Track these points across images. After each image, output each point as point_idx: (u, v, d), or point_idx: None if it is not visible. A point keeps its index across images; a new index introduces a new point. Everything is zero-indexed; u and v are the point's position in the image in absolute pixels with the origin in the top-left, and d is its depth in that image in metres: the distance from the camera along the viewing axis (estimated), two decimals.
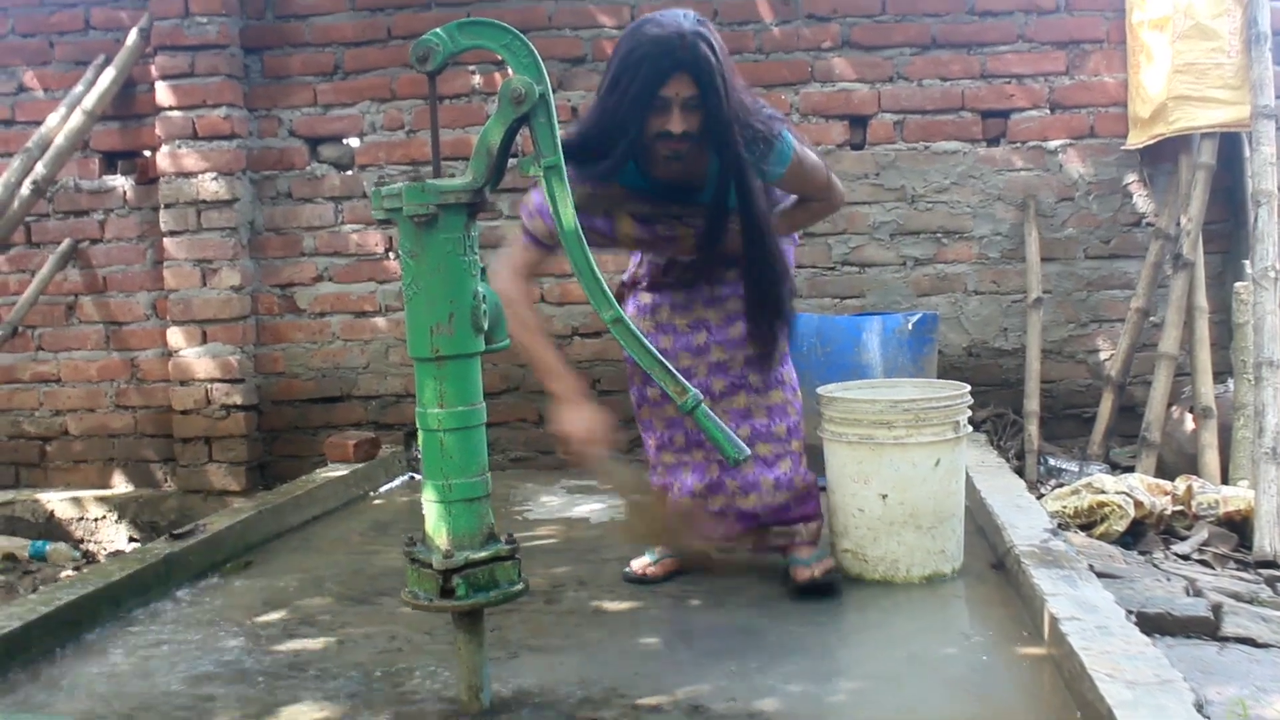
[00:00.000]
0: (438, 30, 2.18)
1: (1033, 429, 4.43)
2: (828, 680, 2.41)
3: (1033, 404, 4.46)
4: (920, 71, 4.67)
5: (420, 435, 2.22)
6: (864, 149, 4.73)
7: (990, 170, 4.68)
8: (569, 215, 2.16)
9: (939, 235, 4.71)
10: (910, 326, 4.22)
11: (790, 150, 2.83)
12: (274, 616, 3.00)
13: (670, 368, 2.17)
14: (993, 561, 3.14)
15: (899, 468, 2.96)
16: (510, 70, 2.19)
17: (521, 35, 2.16)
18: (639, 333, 2.17)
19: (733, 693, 2.33)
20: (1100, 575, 3.08)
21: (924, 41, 4.66)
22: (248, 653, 2.72)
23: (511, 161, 2.25)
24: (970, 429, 3.07)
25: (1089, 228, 4.66)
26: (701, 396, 2.17)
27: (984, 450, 4.21)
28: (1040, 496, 4.00)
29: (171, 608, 3.10)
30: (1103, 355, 4.66)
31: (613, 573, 3.23)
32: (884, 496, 2.98)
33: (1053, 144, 4.65)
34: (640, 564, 3.15)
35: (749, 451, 2.20)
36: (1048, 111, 4.65)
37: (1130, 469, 4.28)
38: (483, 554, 2.20)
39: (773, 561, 3.13)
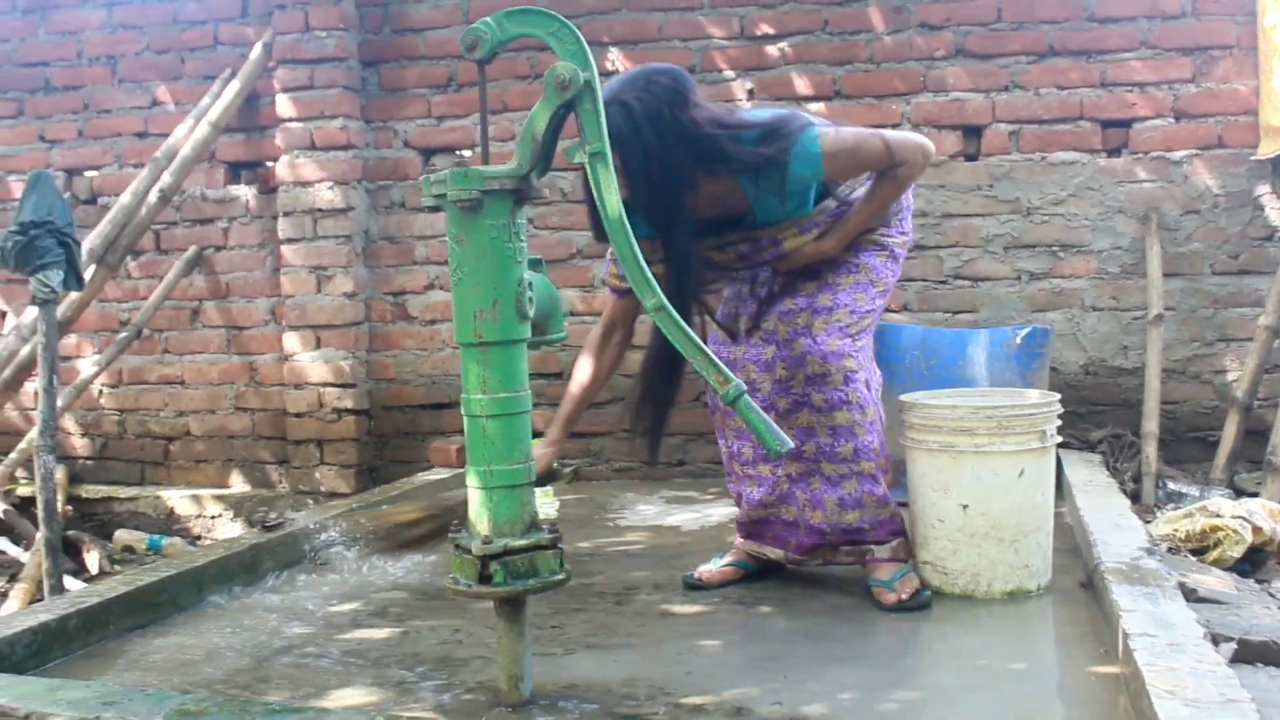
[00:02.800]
0: (486, 19, 2.19)
1: (1151, 451, 4.23)
2: (882, 690, 2.32)
3: (1152, 425, 4.26)
4: (1037, 80, 4.53)
5: (465, 421, 2.21)
6: (978, 160, 4.60)
7: (1110, 182, 4.51)
8: (613, 202, 2.14)
9: (1055, 249, 4.55)
10: (1019, 340, 4.08)
11: (814, 144, 2.75)
12: (347, 607, 3.03)
13: (713, 357, 2.13)
14: (1083, 580, 3.00)
15: (980, 477, 2.85)
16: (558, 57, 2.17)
17: (569, 23, 2.16)
18: (680, 320, 2.13)
19: (780, 697, 2.26)
20: (1202, 600, 2.92)
21: (1040, 49, 4.53)
22: (313, 640, 2.75)
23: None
24: (1058, 439, 2.94)
25: (1216, 242, 4.45)
26: (744, 387, 2.12)
27: (1095, 470, 4.04)
28: (1151, 520, 3.83)
29: (252, 595, 3.17)
30: (1229, 375, 4.44)
31: (682, 583, 3.18)
32: (964, 507, 2.87)
33: (1178, 154, 4.46)
34: (702, 569, 3.12)
35: (791, 444, 2.13)
36: (1172, 120, 4.47)
37: (1256, 495, 4.06)
38: (523, 542, 2.18)
39: (851, 573, 3.05)
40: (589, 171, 2.15)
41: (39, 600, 3.79)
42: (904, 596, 2.85)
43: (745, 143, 2.76)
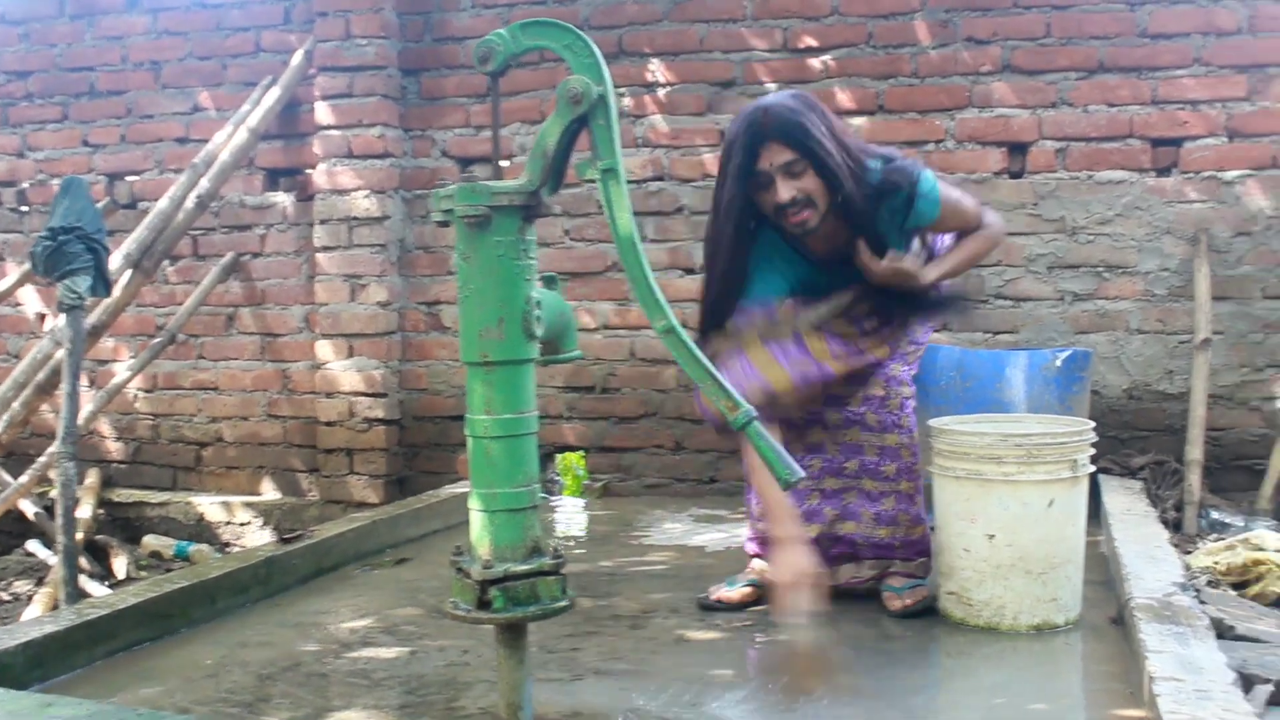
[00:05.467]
0: (500, 30, 2.14)
1: (1194, 479, 4.10)
2: None
3: (1195, 452, 4.13)
4: (1085, 97, 4.42)
5: (469, 442, 2.16)
6: (1022, 177, 4.49)
7: (1159, 202, 4.38)
8: (625, 221, 2.08)
9: (1100, 269, 4.43)
10: (1059, 363, 3.97)
11: (933, 187, 2.78)
12: (359, 624, 2.99)
13: (723, 382, 2.06)
14: (1113, 615, 2.89)
15: (1008, 506, 2.76)
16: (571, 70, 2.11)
17: (584, 36, 2.09)
18: (690, 343, 2.06)
19: None
20: (1240, 638, 2.81)
21: (1090, 66, 4.41)
22: (319, 658, 2.71)
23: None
24: (1091, 468, 2.84)
25: (1269, 265, 4.31)
26: (754, 414, 2.05)
27: (1134, 498, 3.91)
28: (1192, 551, 3.71)
29: (264, 609, 3.14)
30: (1278, 403, 4.29)
31: (697, 604, 3.11)
32: (991, 537, 2.78)
33: (1230, 175, 4.33)
34: (717, 590, 3.07)
35: (802, 474, 2.06)
36: (1225, 140, 4.33)
37: None
38: (524, 567, 2.12)
39: (868, 603, 2.98)
40: (601, 189, 2.09)
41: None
42: (909, 602, 2.91)
43: (872, 170, 2.77)
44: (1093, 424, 2.88)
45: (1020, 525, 2.76)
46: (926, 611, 2.91)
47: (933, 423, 2.93)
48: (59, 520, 3.48)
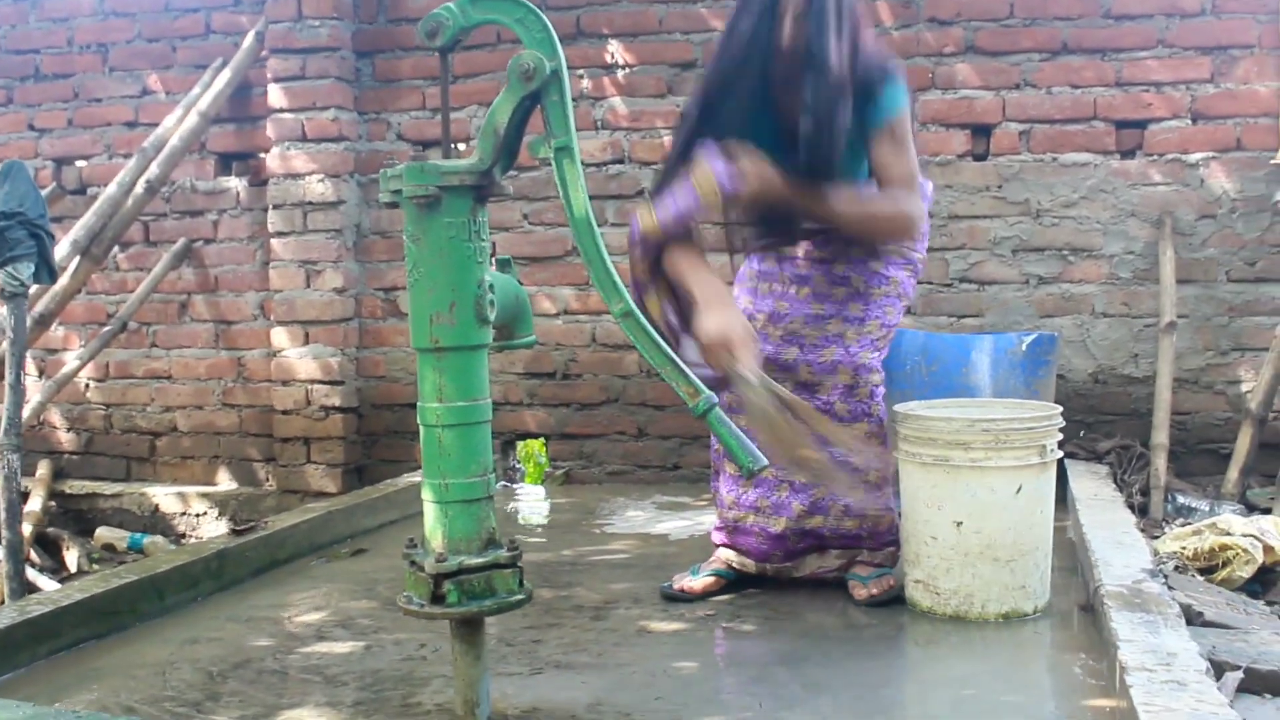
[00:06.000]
0: (448, 4, 2.06)
1: (1160, 463, 4.07)
2: None
3: (1161, 436, 4.10)
4: (1049, 78, 4.38)
5: (421, 431, 2.09)
6: (986, 160, 4.45)
7: (1123, 184, 4.35)
8: (580, 201, 2.01)
9: (1065, 252, 4.39)
10: (1024, 347, 3.93)
11: (903, 99, 2.71)
12: (313, 618, 2.91)
13: (683, 367, 2.00)
14: (1082, 602, 2.85)
15: (975, 493, 2.71)
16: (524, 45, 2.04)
17: (536, 9, 2.02)
18: (649, 327, 2.00)
19: None
20: (1209, 624, 2.79)
21: (1054, 47, 4.37)
22: (272, 653, 2.64)
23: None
24: (1059, 454, 2.79)
25: (1232, 248, 4.29)
26: (715, 399, 1.99)
27: (1101, 483, 3.89)
28: (1159, 536, 3.68)
29: (215, 603, 3.06)
30: (1244, 386, 4.27)
31: (660, 594, 3.06)
32: (958, 524, 2.73)
33: (1194, 157, 4.30)
34: (681, 580, 3.01)
35: (765, 462, 2.00)
36: (1189, 122, 4.30)
37: (1269, 511, 3.90)
38: (479, 560, 2.05)
39: (835, 591, 2.93)
40: (555, 168, 2.02)
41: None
42: (875, 592, 2.87)
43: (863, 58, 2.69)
44: (1060, 408, 2.84)
45: (988, 512, 2.71)
46: (893, 601, 2.86)
47: (899, 408, 2.88)
48: (1, 514, 3.38)
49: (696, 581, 2.98)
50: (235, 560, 3.24)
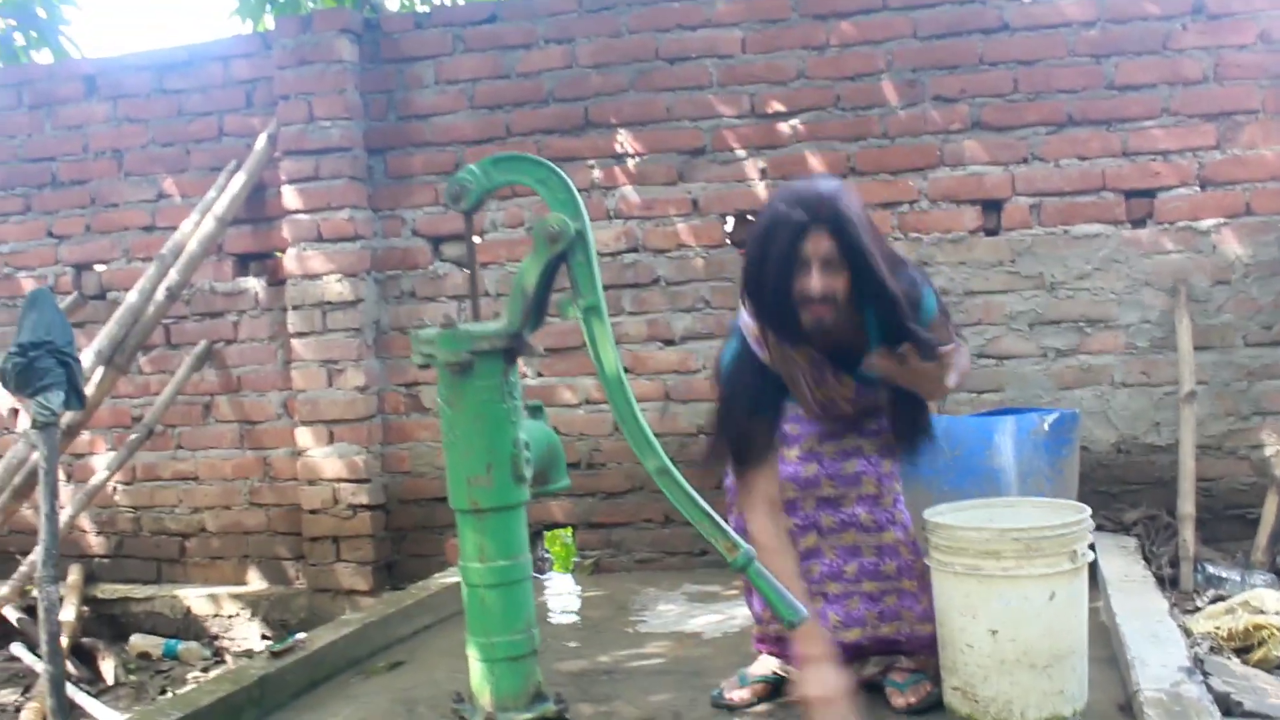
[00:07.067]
0: (470, 167, 2.11)
1: (1188, 534, 4.07)
2: None
3: (1188, 506, 4.11)
4: (1056, 151, 4.42)
5: (463, 590, 2.12)
6: (998, 234, 4.48)
7: (1136, 254, 4.38)
8: (610, 360, 2.05)
9: (1081, 324, 4.42)
10: (1047, 427, 3.94)
11: (934, 306, 2.75)
12: None
13: (720, 522, 2.03)
14: (1120, 702, 2.86)
15: (1009, 601, 2.72)
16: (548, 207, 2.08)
17: (558, 170, 2.06)
18: (685, 484, 2.03)
19: None
20: (1248, 715, 2.79)
21: (1059, 120, 4.41)
22: None
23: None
24: (1091, 556, 2.81)
25: (1248, 313, 4.31)
26: (754, 553, 2.02)
27: (1131, 560, 3.89)
28: (1193, 610, 3.69)
29: None
30: (1267, 450, 4.28)
31: (710, 703, 3.07)
32: (994, 632, 2.73)
33: (1205, 224, 4.33)
34: (731, 688, 3.01)
35: (805, 614, 2.03)
36: (1198, 189, 4.33)
37: None
38: (527, 715, 2.08)
39: (874, 698, 2.94)
40: (584, 327, 2.06)
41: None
42: (913, 700, 2.87)
43: (904, 274, 2.71)
44: (1089, 510, 2.85)
45: (1022, 619, 2.72)
46: (931, 708, 2.87)
47: (928, 515, 2.89)
48: (44, 647, 3.40)
49: (745, 691, 2.99)
50: (275, 685, 3.26)
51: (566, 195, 2.06)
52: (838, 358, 2.78)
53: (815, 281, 2.56)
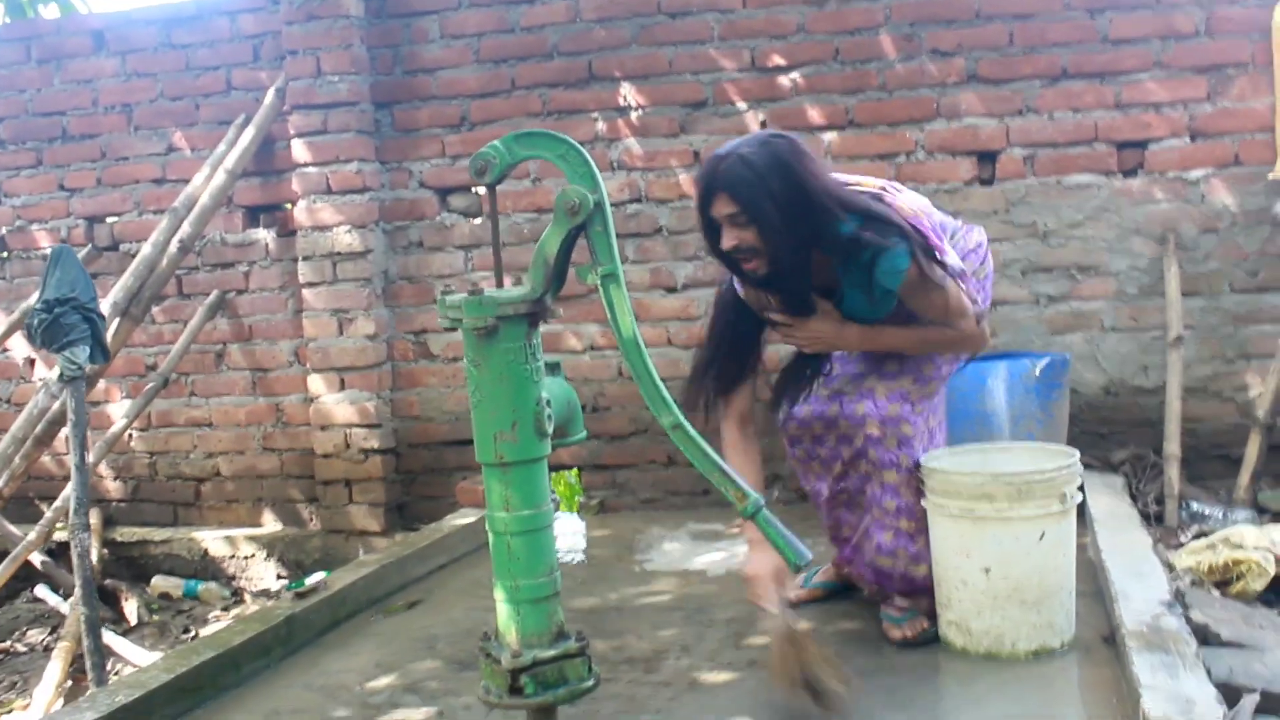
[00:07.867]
0: (494, 143, 2.23)
1: (1173, 473, 4.23)
2: None
3: (1173, 446, 4.26)
4: (1051, 104, 4.52)
5: (490, 537, 2.26)
6: (993, 185, 4.60)
7: (1127, 203, 4.50)
8: (627, 324, 2.17)
9: (1073, 271, 4.55)
10: (1038, 372, 4.09)
11: (904, 263, 2.77)
12: (383, 682, 3.09)
13: (731, 474, 2.17)
14: (1105, 634, 3.03)
15: (1001, 542, 2.88)
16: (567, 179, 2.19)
17: (577, 146, 2.18)
18: (699, 438, 2.17)
19: None
20: (1225, 644, 2.95)
21: (1054, 73, 4.51)
22: None
23: None
24: (1079, 498, 2.96)
25: (1235, 260, 4.45)
26: (762, 502, 2.16)
27: (1117, 497, 4.05)
28: (1177, 546, 3.84)
29: (288, 671, 3.23)
30: (1251, 393, 4.44)
31: (718, 637, 3.24)
32: (987, 570, 2.90)
33: (1194, 174, 4.45)
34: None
35: (809, 556, 2.18)
36: (1188, 140, 4.45)
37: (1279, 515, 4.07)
38: (551, 652, 2.23)
39: (872, 630, 3.11)
40: (602, 292, 2.18)
41: (79, 657, 3.86)
42: (909, 635, 3.05)
43: (843, 230, 2.77)
44: (1078, 454, 3.00)
45: (1014, 558, 2.88)
46: (927, 643, 3.03)
47: (924, 461, 3.03)
48: (78, 592, 3.56)
49: (806, 591, 3.41)
50: (302, 624, 3.42)
51: (585, 169, 2.17)
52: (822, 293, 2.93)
53: (726, 240, 2.74)
